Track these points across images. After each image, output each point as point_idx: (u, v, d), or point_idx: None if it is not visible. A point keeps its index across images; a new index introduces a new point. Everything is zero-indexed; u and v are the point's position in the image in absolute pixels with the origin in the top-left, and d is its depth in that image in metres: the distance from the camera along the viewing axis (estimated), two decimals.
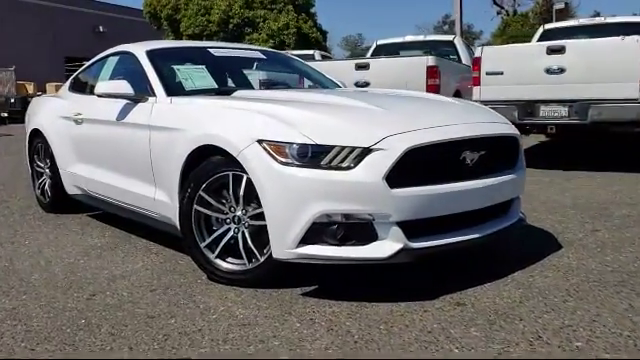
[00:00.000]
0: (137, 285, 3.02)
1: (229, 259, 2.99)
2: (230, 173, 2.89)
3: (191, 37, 21.08)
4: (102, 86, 3.64)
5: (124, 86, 3.59)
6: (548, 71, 6.48)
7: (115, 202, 3.97)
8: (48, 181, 4.90)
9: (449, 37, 10.18)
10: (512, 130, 3.17)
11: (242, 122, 2.85)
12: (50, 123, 4.70)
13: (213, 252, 3.01)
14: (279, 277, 2.90)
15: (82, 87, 4.70)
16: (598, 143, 8.84)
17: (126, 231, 4.17)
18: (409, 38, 10.26)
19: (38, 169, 5.06)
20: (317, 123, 2.71)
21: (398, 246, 2.59)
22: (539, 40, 8.87)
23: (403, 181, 2.59)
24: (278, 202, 2.64)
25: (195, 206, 3.02)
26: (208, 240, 3.02)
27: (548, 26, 9.10)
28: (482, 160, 2.88)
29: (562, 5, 42.74)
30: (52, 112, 4.75)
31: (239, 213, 2.93)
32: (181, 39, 21.82)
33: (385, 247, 2.59)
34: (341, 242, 2.61)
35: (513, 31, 45.13)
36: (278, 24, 20.54)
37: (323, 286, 2.90)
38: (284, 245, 2.65)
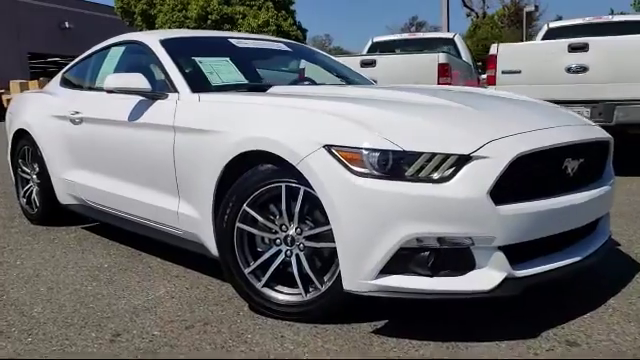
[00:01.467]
0: (167, 320, 2.50)
1: (279, 287, 2.50)
2: (283, 185, 2.40)
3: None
4: (113, 80, 3.08)
5: (140, 80, 3.05)
6: (569, 70, 6.13)
7: (122, 215, 3.42)
8: (36, 189, 4.31)
9: (449, 34, 9.80)
10: (605, 134, 2.75)
11: (303, 123, 2.35)
12: (39, 123, 4.11)
13: (259, 279, 2.51)
14: (342, 310, 2.41)
15: (78, 82, 4.12)
16: (624, 146, 8.54)
17: (133, 247, 3.62)
18: (406, 35, 9.86)
19: (24, 175, 4.45)
20: (401, 124, 2.23)
21: (501, 275, 2.13)
22: (544, 39, 8.57)
23: (507, 196, 2.13)
24: (353, 222, 2.15)
25: (238, 224, 2.52)
26: (254, 265, 2.52)
27: (553, 24, 8.79)
28: (580, 169, 2.45)
29: (532, 8, 43.28)
30: (41, 110, 4.16)
31: (292, 232, 2.43)
32: None
33: (486, 277, 2.13)
34: (433, 272, 2.14)
35: (483, 33, 45.40)
36: (258, 21, 19.92)
37: (395, 320, 2.42)
38: (360, 275, 2.17)
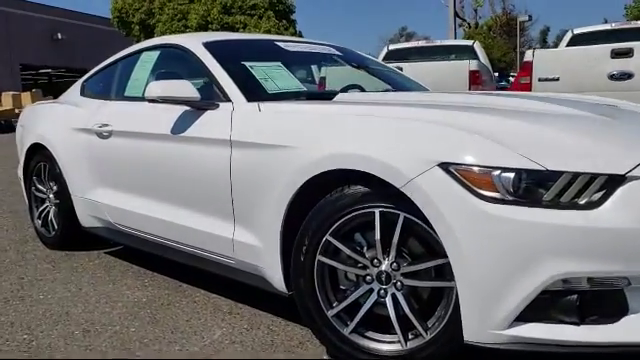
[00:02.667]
0: None
1: (370, 334, 2.09)
2: (376, 210, 2.00)
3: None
4: (156, 88, 2.67)
5: (187, 88, 2.65)
6: (612, 77, 5.80)
7: (159, 240, 3.01)
8: (54, 209, 3.88)
9: (468, 42, 9.48)
10: None
11: (407, 136, 1.95)
12: (58, 137, 3.69)
13: (346, 324, 2.10)
14: None
15: (103, 91, 3.71)
16: None
17: (169, 276, 3.21)
18: (422, 43, 9.52)
19: (39, 194, 4.02)
20: (537, 138, 1.84)
21: None
22: (568, 45, 8.27)
23: None
24: (481, 258, 1.75)
25: (319, 256, 2.12)
26: (339, 306, 2.11)
27: (577, 30, 8.49)
28: None
29: (526, 17, 43.32)
30: (61, 123, 3.74)
31: (386, 267, 2.03)
32: None
33: None
34: (580, 319, 1.74)
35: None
36: (259, 31, 19.53)
37: None
38: (488, 323, 1.77)
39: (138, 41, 22.51)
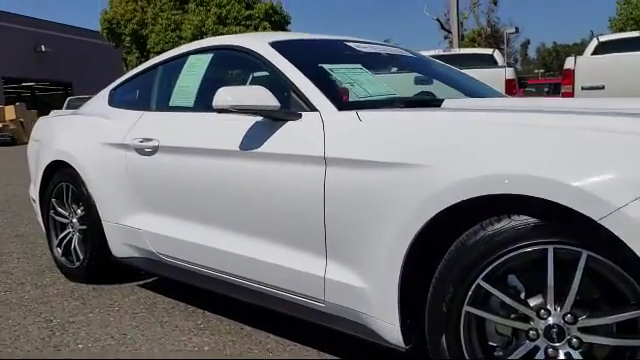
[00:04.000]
0: None
1: None
2: (550, 247, 1.56)
3: (160, 54, 19.26)
4: (227, 95, 2.19)
5: (266, 96, 2.20)
6: None
7: (220, 275, 2.54)
8: (78, 236, 3.38)
9: (488, 50, 9.14)
10: None
11: (597, 153, 1.50)
12: (86, 153, 3.20)
13: None
14: None
15: (141, 100, 3.24)
16: None
17: (224, 316, 2.73)
18: (440, 51, 9.16)
19: (59, 219, 3.52)
20: None
21: None
22: (593, 54, 7.96)
23: None
24: None
25: (467, 307, 1.66)
26: None
27: (603, 38, 8.19)
28: None
29: (513, 29, 43.55)
30: (89, 137, 3.25)
31: (555, 320, 1.58)
32: (148, 56, 20.08)
33: None
34: None
35: None
36: None
37: None
38: None
39: (129, 53, 22.03)
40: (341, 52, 2.79)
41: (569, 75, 5.85)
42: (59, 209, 3.50)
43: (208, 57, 2.84)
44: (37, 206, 3.77)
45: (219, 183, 2.43)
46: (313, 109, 2.20)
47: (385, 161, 1.87)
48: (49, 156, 3.48)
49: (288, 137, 2.19)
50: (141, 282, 3.35)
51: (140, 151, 2.87)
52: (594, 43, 8.12)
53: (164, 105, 3.01)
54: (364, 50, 2.82)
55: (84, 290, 3.25)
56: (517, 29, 46.13)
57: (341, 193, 1.98)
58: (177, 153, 2.66)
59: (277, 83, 2.39)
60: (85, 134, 3.30)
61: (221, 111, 2.25)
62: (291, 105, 2.29)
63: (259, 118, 2.31)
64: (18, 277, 3.55)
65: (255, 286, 2.39)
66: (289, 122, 2.22)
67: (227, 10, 19.21)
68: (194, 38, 19.05)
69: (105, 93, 3.51)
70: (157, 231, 2.84)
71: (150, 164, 2.82)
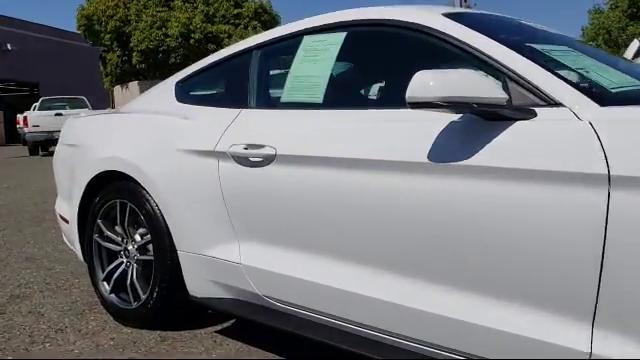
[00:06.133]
0: None
1: None
2: None
3: (144, 53, 18.30)
4: (432, 81, 1.49)
5: (488, 84, 1.53)
6: None
7: (376, 333, 1.84)
8: (136, 269, 2.64)
9: None
10: None
11: None
12: (157, 162, 2.46)
13: None
14: None
15: (234, 95, 2.51)
16: None
17: None
18: None
19: (107, 245, 2.76)
20: None
21: None
22: (634, 57, 7.51)
23: None
24: None
25: None
26: None
27: None
28: None
29: None
30: (157, 141, 2.50)
31: None
32: (131, 55, 19.06)
33: None
34: None
35: None
36: None
37: None
38: None
39: (108, 51, 20.85)
40: (531, 33, 2.12)
41: None
42: (108, 233, 2.74)
43: (337, 38, 2.12)
44: (71, 227, 3.00)
45: (386, 208, 1.74)
46: (554, 103, 1.53)
47: None
48: (96, 165, 2.72)
49: (524, 144, 1.51)
50: (219, 327, 2.62)
51: (243, 161, 2.15)
52: (635, 44, 7.68)
53: (272, 101, 2.30)
54: (545, 30, 2.17)
55: (149, 339, 2.50)
56: None
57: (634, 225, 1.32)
58: (307, 165, 1.95)
59: (483, 68, 1.70)
60: (152, 138, 2.55)
61: (417, 105, 1.55)
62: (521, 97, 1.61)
63: (458, 116, 1.63)
64: (53, 320, 2.78)
65: (427, 349, 1.71)
66: (517, 122, 1.54)
67: (215, 8, 18.33)
68: (182, 36, 18.12)
69: (169, 87, 2.76)
70: (267, 267, 2.13)
71: (259, 178, 2.10)
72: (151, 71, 19.16)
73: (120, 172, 2.58)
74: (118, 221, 2.67)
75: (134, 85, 20.41)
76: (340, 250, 1.91)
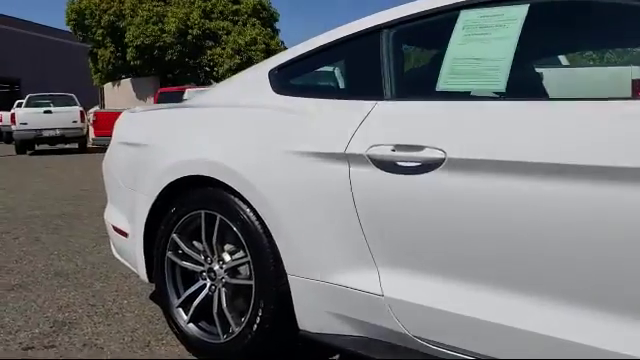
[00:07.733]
0: None
1: None
2: None
3: (140, 49, 17.62)
4: None
5: None
6: None
7: None
8: (225, 294, 2.18)
9: None
10: None
11: None
12: (262, 166, 2.01)
13: None
14: None
15: (359, 83, 2.07)
16: None
17: None
18: None
19: (185, 265, 2.30)
20: None
21: None
22: None
23: None
24: None
25: None
26: None
27: None
28: None
29: None
30: (260, 140, 2.05)
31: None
32: (125, 51, 18.41)
33: None
34: None
35: None
36: (245, 38, 17.62)
37: None
38: None
39: (100, 47, 20.07)
40: None
41: None
42: (187, 250, 2.28)
43: (517, 12, 1.69)
44: (131, 242, 2.53)
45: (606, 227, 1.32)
46: None
47: None
48: (174, 169, 2.25)
49: None
50: None
51: (388, 166, 1.71)
52: None
53: (420, 90, 1.87)
54: None
55: None
56: None
57: None
58: (493, 172, 1.51)
59: None
60: (251, 137, 2.09)
61: None
62: None
63: None
64: (116, 354, 2.31)
65: None
66: None
67: (212, 4, 17.78)
68: (179, 31, 17.50)
69: (260, 75, 2.30)
70: (421, 302, 1.69)
71: (414, 189, 1.66)
72: (146, 68, 18.50)
73: (210, 178, 2.12)
74: (203, 236, 2.21)
75: (127, 82, 19.69)
76: (534, 283, 1.48)
